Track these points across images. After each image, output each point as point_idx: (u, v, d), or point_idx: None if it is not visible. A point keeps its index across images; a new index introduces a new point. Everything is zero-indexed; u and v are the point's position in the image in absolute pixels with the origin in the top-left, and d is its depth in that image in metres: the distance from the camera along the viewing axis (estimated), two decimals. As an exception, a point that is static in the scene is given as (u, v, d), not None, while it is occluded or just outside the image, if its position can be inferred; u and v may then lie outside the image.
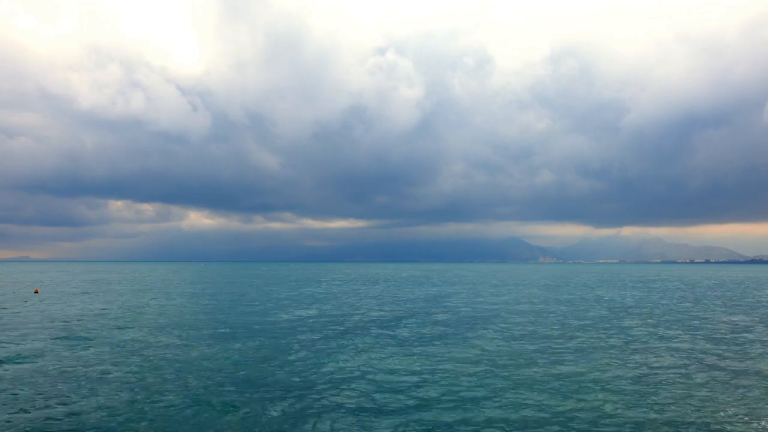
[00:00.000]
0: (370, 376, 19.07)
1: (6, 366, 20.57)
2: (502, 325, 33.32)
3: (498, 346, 25.43)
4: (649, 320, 36.10)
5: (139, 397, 16.37)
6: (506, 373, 19.52)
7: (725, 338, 28.22)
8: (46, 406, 15.35)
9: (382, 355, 23.05)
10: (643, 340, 27.50)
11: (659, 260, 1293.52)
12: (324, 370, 20.14)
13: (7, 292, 64.11)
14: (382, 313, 40.80)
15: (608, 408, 15.40)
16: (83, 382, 18.07)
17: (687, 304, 49.91)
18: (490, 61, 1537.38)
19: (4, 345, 25.33)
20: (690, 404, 15.75)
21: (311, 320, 35.66)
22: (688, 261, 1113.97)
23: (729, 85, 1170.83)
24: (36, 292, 64.48)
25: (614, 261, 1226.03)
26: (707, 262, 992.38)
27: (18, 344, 25.56)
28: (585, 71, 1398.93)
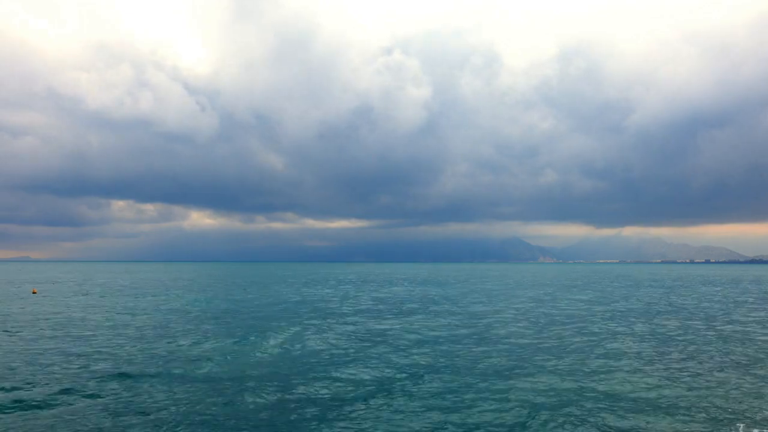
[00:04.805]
0: None
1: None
2: None
3: None
4: None
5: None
6: None
7: None
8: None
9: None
10: None
11: (659, 260, 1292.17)
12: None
13: (8, 293, 64.92)
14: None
15: None
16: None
17: None
18: (497, 61, 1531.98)
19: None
20: None
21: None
22: (687, 261, 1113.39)
23: (733, 85, 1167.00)
24: (34, 292, 65.30)
25: (614, 261, 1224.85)
26: (707, 262, 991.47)
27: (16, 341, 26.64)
28: (590, 71, 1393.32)
